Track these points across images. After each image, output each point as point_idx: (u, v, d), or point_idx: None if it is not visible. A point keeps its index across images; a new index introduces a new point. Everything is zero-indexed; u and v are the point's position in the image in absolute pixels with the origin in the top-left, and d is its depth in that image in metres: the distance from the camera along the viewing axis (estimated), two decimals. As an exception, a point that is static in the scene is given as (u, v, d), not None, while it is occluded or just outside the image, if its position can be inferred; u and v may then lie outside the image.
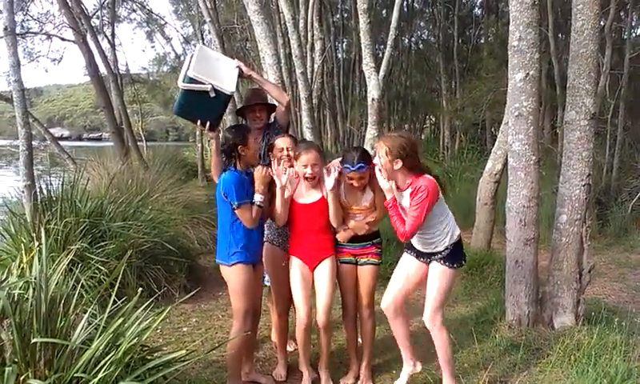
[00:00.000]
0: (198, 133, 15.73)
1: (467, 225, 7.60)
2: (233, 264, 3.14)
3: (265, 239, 3.53)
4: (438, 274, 3.12)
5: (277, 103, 3.82)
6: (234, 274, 3.15)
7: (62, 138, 28.04)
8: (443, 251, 3.09)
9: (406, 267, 3.30)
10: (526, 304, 4.14)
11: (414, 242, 3.20)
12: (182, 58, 20.98)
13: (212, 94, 3.21)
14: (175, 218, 6.07)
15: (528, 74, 3.96)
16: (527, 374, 3.47)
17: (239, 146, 3.13)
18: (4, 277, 2.84)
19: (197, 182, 13.10)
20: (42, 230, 3.15)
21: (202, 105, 3.24)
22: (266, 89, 3.77)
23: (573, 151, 4.02)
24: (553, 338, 3.82)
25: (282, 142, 3.39)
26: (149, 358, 2.58)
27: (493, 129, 15.23)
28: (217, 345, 3.83)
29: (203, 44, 15.45)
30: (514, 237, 4.16)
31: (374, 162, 3.09)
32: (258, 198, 3.13)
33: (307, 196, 3.30)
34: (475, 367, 3.56)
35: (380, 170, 3.04)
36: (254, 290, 3.26)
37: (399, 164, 2.96)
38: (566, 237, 4.09)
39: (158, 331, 4.07)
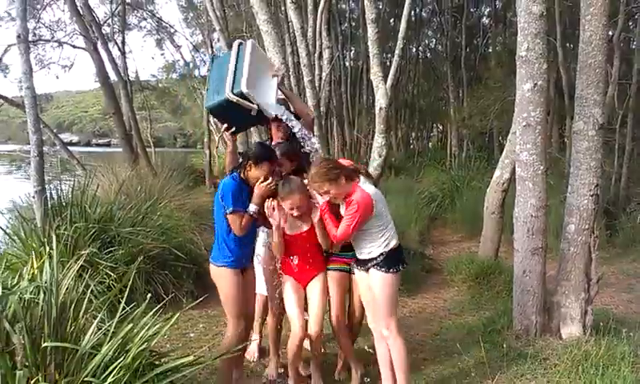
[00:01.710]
0: (205, 140, 15.80)
1: (474, 234, 7.58)
2: (220, 266, 3.19)
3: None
4: (377, 281, 3.14)
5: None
6: (221, 276, 3.20)
7: (71, 144, 28.25)
8: (378, 257, 3.11)
9: (365, 285, 3.29)
10: (534, 314, 4.13)
11: (355, 249, 3.25)
12: (190, 65, 21.17)
13: (254, 113, 3.18)
14: (183, 224, 6.11)
15: (536, 84, 3.97)
16: (534, 385, 3.46)
17: (249, 162, 3.16)
18: (15, 281, 2.88)
19: (204, 189, 13.14)
20: (53, 235, 3.19)
21: (239, 115, 3.22)
22: (293, 104, 3.78)
23: (581, 161, 4.02)
24: (560, 348, 3.80)
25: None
26: (157, 363, 2.60)
27: (500, 138, 15.21)
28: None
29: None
30: (522, 246, 4.16)
31: (324, 200, 3.12)
32: (252, 208, 3.14)
33: (295, 227, 3.34)
34: (482, 376, 3.55)
35: (332, 201, 3.12)
36: (244, 293, 3.28)
37: (342, 180, 3.05)
38: (574, 247, 4.08)
39: (166, 337, 4.08)
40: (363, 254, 3.18)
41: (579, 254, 4.07)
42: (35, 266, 2.94)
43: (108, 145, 45.20)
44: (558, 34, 10.16)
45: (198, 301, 3.76)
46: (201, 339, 4.34)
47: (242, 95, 3.13)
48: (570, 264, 4.10)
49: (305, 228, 3.33)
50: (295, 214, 3.21)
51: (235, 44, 3.45)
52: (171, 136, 46.20)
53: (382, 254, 3.11)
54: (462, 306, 5.35)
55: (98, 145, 49.27)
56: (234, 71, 3.21)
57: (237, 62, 3.27)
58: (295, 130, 3.47)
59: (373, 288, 3.18)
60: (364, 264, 3.20)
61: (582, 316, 4.06)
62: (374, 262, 3.12)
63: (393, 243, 3.14)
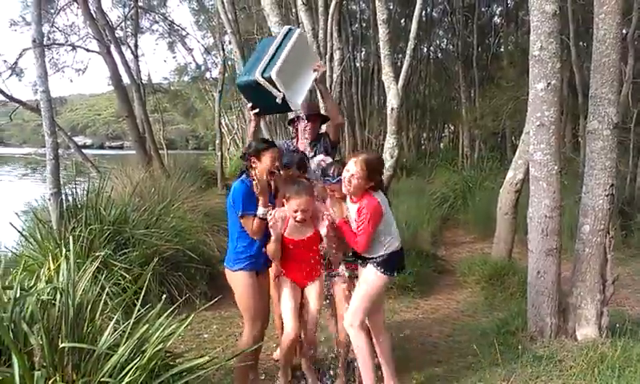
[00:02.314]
0: (217, 141, 15.88)
1: (487, 235, 7.53)
2: (236, 270, 3.21)
3: None
4: (368, 277, 3.24)
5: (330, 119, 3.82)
6: (237, 280, 3.23)
7: (84, 147, 28.46)
8: (377, 257, 3.21)
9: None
10: (549, 315, 4.09)
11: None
12: (202, 68, 21.28)
13: (278, 101, 3.17)
14: (196, 225, 6.15)
15: (549, 83, 3.94)
16: (550, 387, 3.42)
17: (252, 157, 3.18)
18: (32, 283, 2.93)
19: (216, 190, 13.22)
20: (70, 237, 3.23)
21: (265, 98, 3.21)
22: (326, 103, 3.76)
23: (595, 161, 3.98)
24: (576, 349, 3.76)
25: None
26: (172, 364, 2.62)
27: (513, 138, 15.10)
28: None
29: (224, 54, 15.65)
30: (536, 247, 4.12)
31: (344, 174, 3.15)
32: (260, 210, 3.14)
33: (298, 232, 3.32)
34: (497, 378, 3.52)
35: (347, 181, 3.11)
36: (259, 296, 3.31)
37: (371, 182, 3.13)
38: (589, 247, 4.04)
39: (180, 338, 4.11)
40: (365, 253, 3.26)
41: (594, 254, 4.03)
42: (52, 267, 2.98)
43: (121, 147, 45.66)
44: (571, 32, 10.06)
45: (211, 302, 3.77)
46: (214, 340, 4.37)
47: (270, 80, 3.11)
48: (584, 265, 4.06)
49: (307, 234, 3.33)
50: (299, 218, 3.18)
51: (284, 29, 3.42)
52: (183, 138, 46.55)
53: (381, 255, 3.21)
54: (475, 308, 5.32)
55: (111, 147, 49.81)
56: (272, 55, 3.19)
57: (279, 47, 3.25)
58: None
59: (361, 281, 3.29)
60: (364, 260, 3.29)
61: (598, 317, 4.02)
62: (374, 260, 3.23)
63: (394, 246, 3.24)
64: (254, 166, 3.19)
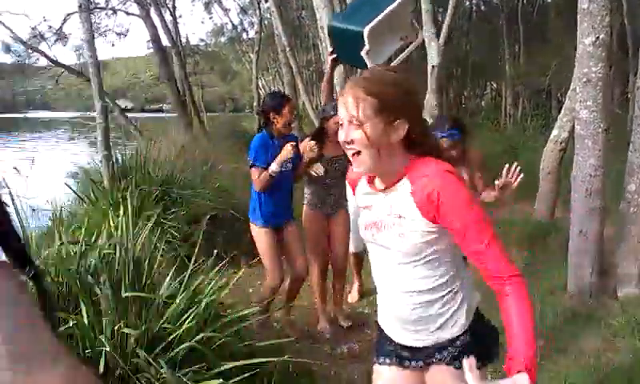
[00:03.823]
0: (255, 104, 15.99)
1: (529, 195, 7.44)
2: (252, 223, 3.39)
3: (305, 202, 3.70)
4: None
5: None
6: (257, 234, 3.39)
7: (126, 110, 29.25)
8: (457, 340, 1.56)
9: None
10: (590, 274, 4.08)
11: (398, 329, 1.59)
12: (238, 28, 21.26)
13: (363, 53, 2.91)
14: (239, 185, 6.33)
15: (598, 37, 3.82)
16: (589, 344, 3.45)
17: (271, 113, 3.29)
18: (93, 239, 3.14)
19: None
20: (127, 196, 3.44)
21: (350, 46, 3.02)
22: None
23: (644, 118, 3.87)
24: (616, 308, 3.76)
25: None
26: (223, 314, 2.80)
27: (559, 95, 14.57)
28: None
29: (260, 14, 15.52)
30: (579, 206, 4.08)
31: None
32: (272, 167, 3.20)
33: None
34: (536, 337, 3.57)
35: (353, 154, 1.40)
36: (282, 250, 3.49)
37: (401, 131, 1.39)
38: (634, 207, 3.97)
39: (228, 292, 4.33)
40: (423, 336, 1.57)
41: (638, 214, 3.97)
42: (111, 225, 3.19)
43: (160, 110, 46.35)
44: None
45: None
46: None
47: (362, 38, 2.94)
48: (628, 224, 4.01)
49: None
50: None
51: None
52: (220, 100, 46.88)
53: (466, 330, 1.58)
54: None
55: (150, 111, 50.64)
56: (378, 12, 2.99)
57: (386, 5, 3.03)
58: None
59: None
60: (418, 358, 1.60)
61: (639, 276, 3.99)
62: (451, 351, 1.56)
63: (477, 299, 1.72)
64: (273, 120, 3.29)
